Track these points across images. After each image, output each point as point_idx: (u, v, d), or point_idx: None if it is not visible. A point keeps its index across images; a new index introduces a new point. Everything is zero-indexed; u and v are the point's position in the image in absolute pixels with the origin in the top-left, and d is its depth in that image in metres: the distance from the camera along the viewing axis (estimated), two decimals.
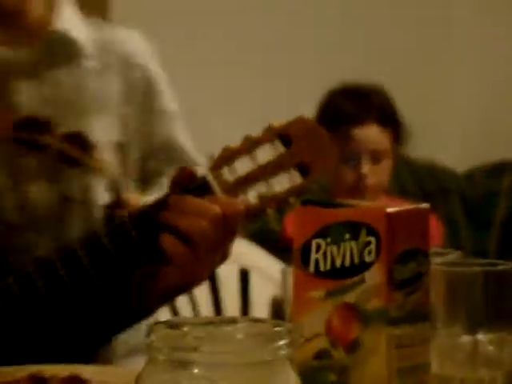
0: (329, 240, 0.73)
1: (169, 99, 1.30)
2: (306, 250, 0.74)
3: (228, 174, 0.97)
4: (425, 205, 0.75)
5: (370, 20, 3.06)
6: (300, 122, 0.98)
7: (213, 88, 2.83)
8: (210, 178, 0.97)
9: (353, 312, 0.72)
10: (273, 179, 0.97)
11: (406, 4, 3.12)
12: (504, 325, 0.75)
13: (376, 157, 2.14)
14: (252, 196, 0.97)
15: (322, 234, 0.73)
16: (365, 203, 0.77)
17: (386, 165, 2.18)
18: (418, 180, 2.85)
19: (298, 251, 0.75)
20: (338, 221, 0.73)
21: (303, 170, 0.97)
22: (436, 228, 2.28)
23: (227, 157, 0.97)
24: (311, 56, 2.99)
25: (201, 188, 0.96)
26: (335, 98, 2.22)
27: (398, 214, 0.72)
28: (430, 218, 2.43)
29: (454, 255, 0.82)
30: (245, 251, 2.09)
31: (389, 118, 2.19)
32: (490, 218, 2.91)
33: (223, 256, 1.02)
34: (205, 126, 2.85)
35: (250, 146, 0.97)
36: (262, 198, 0.97)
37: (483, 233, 2.90)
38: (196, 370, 0.57)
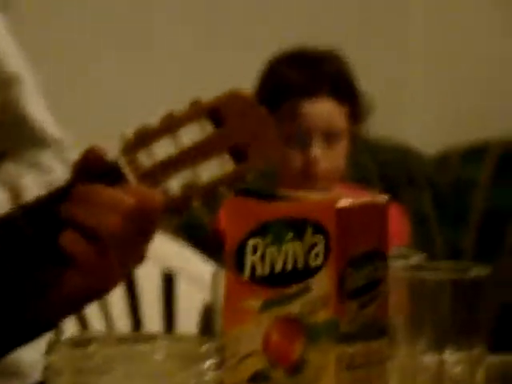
0: (268, 240, 0.76)
1: (11, 62, 1.33)
2: (240, 252, 0.77)
3: (145, 159, 0.98)
4: (383, 197, 0.79)
5: None
6: (233, 96, 1.00)
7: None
8: (123, 162, 0.98)
9: (296, 326, 0.76)
10: (200, 165, 0.99)
11: None
12: (474, 341, 0.79)
13: (329, 137, 2.17)
14: (175, 185, 0.99)
15: (259, 232, 0.77)
16: (313, 195, 0.80)
17: (342, 147, 2.21)
18: (381, 165, 2.91)
19: (231, 253, 0.78)
20: (280, 217, 0.76)
21: (238, 155, 0.99)
22: (400, 223, 2.34)
23: (144, 137, 0.99)
24: (253, 21, 3.07)
25: (111, 175, 0.98)
26: (279, 66, 2.22)
27: (350, 208, 0.75)
28: (394, 211, 2.50)
29: (418, 257, 0.85)
30: (169, 250, 2.13)
31: (345, 91, 2.20)
32: (466, 210, 3.00)
33: (139, 257, 1.04)
34: (122, 103, 2.92)
35: (171, 124, 0.98)
36: (186, 187, 0.99)
37: (457, 228, 2.98)
38: None
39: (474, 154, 3.02)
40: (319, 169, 2.15)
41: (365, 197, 0.80)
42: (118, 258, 1.00)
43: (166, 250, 2.05)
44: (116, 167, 0.98)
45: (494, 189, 2.98)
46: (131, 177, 0.97)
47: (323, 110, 2.16)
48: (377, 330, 0.78)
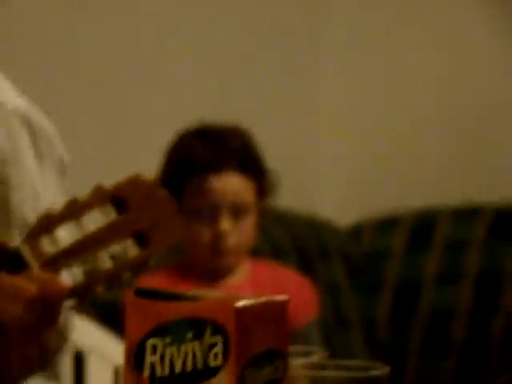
0: (168, 340, 0.74)
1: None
2: (140, 352, 0.75)
3: (48, 245, 0.96)
4: (282, 297, 0.77)
5: (231, 55, 3.19)
6: (135, 182, 0.98)
7: None
8: (25, 249, 0.95)
9: None
10: (104, 250, 0.97)
11: (272, 38, 3.30)
12: None
13: (237, 211, 2.15)
14: (78, 271, 0.97)
15: (159, 332, 0.75)
16: (212, 294, 0.78)
17: (250, 221, 2.19)
18: (294, 237, 2.90)
19: (130, 352, 0.75)
20: (179, 317, 0.74)
21: (141, 240, 0.97)
22: (309, 295, 2.32)
23: (47, 223, 0.97)
24: (160, 94, 3.05)
25: (12, 262, 0.95)
26: (185, 141, 2.19)
27: (249, 308, 0.74)
28: (305, 284, 2.48)
29: (319, 355, 0.84)
30: (79, 329, 2.07)
31: (251, 166, 2.19)
32: (380, 280, 2.99)
33: (42, 348, 1.00)
34: None
35: (75, 210, 0.97)
36: (89, 273, 0.96)
37: (371, 299, 2.97)
38: None
39: (387, 224, 3.02)
40: (228, 243, 2.13)
41: (264, 296, 0.78)
42: (20, 350, 0.96)
43: (77, 329, 1.98)
44: (17, 254, 0.95)
45: (407, 258, 2.98)
46: (33, 263, 0.94)
47: (230, 185, 2.14)
48: None
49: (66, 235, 0.96)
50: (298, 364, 0.79)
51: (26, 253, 0.95)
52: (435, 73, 3.37)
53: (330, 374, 0.79)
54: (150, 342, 0.75)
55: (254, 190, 2.18)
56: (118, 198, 0.97)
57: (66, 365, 2.06)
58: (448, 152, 3.23)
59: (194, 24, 3.12)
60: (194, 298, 0.76)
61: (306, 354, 0.83)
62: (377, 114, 3.35)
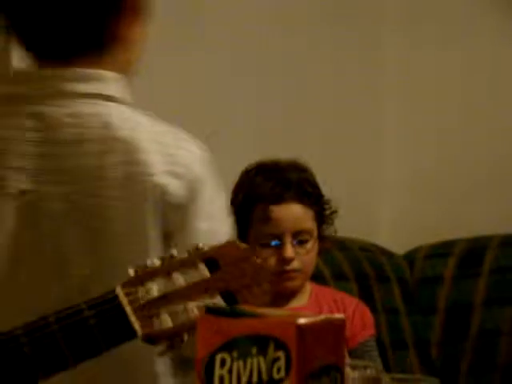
0: (235, 354, 0.74)
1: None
2: (209, 365, 0.75)
3: (143, 293, 0.97)
4: (339, 315, 0.77)
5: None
6: (231, 246, 1.00)
7: None
8: (121, 293, 0.96)
9: None
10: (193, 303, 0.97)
11: (334, 65, 3.26)
12: None
13: (299, 237, 2.16)
14: (167, 319, 0.97)
15: (227, 347, 0.74)
16: (276, 313, 0.77)
17: (312, 246, 2.21)
18: (353, 262, 2.88)
19: (200, 366, 0.75)
20: (245, 333, 0.74)
21: (229, 298, 0.97)
22: (367, 318, 2.30)
23: (144, 274, 0.98)
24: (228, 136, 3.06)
25: (109, 302, 0.96)
26: (250, 176, 2.24)
27: (309, 326, 0.73)
28: (362, 307, 2.45)
29: (374, 369, 0.83)
30: None
31: (309, 195, 2.21)
32: (433, 303, 2.95)
33: None
34: None
35: (171, 265, 0.98)
36: (178, 322, 0.96)
37: (426, 320, 2.93)
38: None
39: (439, 251, 2.97)
40: (292, 267, 2.15)
41: (323, 316, 0.77)
42: None
43: None
44: (115, 298, 0.96)
45: (458, 283, 2.93)
46: (127, 307, 0.95)
47: (291, 213, 2.16)
48: None
49: (159, 286, 0.97)
50: (354, 377, 0.78)
51: (122, 297, 0.96)
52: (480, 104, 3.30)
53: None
54: (219, 356, 0.74)
55: (314, 217, 2.19)
56: (212, 258, 0.98)
57: None
58: (497, 184, 3.16)
59: (259, 63, 3.12)
60: (258, 316, 0.75)
61: (363, 368, 0.82)
62: (438, 144, 3.28)
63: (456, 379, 2.73)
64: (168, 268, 0.97)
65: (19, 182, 1.29)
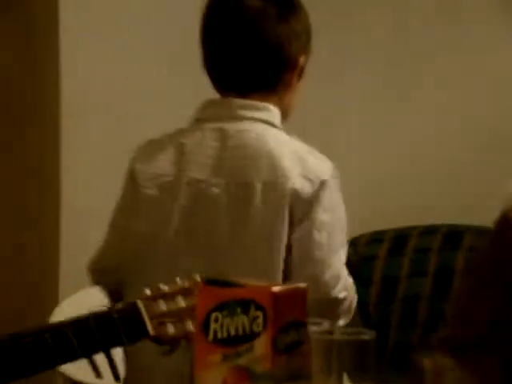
0: (225, 313, 0.73)
1: None
2: (206, 322, 0.74)
3: (161, 306, 0.97)
4: (303, 284, 0.76)
5: None
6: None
7: None
8: (141, 305, 0.96)
9: (244, 373, 0.72)
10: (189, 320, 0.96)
11: None
12: (366, 378, 0.76)
13: None
14: (171, 328, 0.97)
15: (219, 308, 0.74)
16: (255, 283, 0.77)
17: None
18: None
19: (199, 322, 0.75)
20: (233, 298, 0.73)
21: None
22: None
23: (156, 295, 0.98)
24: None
25: (130, 311, 0.97)
26: None
27: (281, 292, 0.73)
28: None
29: (327, 324, 0.82)
30: None
31: None
32: (371, 277, 2.94)
33: None
34: None
35: (175, 291, 0.97)
36: (177, 330, 0.96)
37: (365, 289, 2.92)
38: None
39: (375, 238, 2.97)
40: None
41: (291, 285, 0.77)
42: None
43: None
44: (135, 306, 0.96)
45: (389, 261, 2.92)
46: (145, 315, 0.95)
47: None
48: (302, 374, 0.74)
49: (167, 304, 0.97)
50: (313, 330, 0.78)
51: (142, 307, 0.96)
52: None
53: (334, 337, 0.78)
54: (214, 314, 0.74)
55: None
56: None
57: None
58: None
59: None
60: (243, 286, 0.75)
61: (319, 323, 0.81)
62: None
63: (387, 332, 2.75)
64: (173, 292, 0.97)
65: (198, 174, 1.42)
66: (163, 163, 1.45)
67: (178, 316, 0.94)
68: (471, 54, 2.88)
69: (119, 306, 1.00)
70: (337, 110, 2.80)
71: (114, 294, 1.42)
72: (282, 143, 1.44)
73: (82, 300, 1.43)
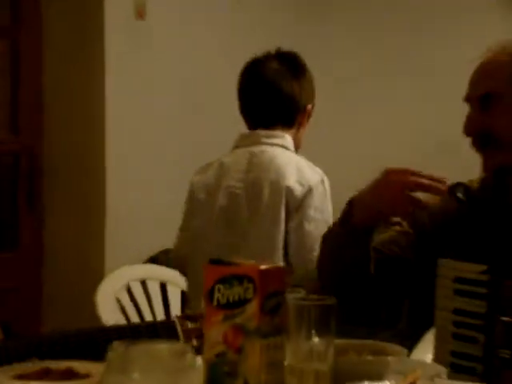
0: (226, 285, 0.97)
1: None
2: (211, 292, 0.98)
3: (186, 325, 1.21)
4: (281, 264, 1.01)
5: None
6: None
7: None
8: (177, 322, 1.20)
9: (239, 329, 0.96)
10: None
11: None
12: (325, 335, 1.01)
13: None
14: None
15: (221, 281, 0.98)
16: (247, 262, 1.01)
17: None
18: None
19: (206, 292, 0.99)
20: (231, 274, 0.97)
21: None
22: None
23: (185, 318, 1.21)
24: None
25: (169, 325, 1.22)
26: None
27: (266, 269, 0.98)
28: None
29: (302, 293, 1.07)
30: None
31: None
32: None
33: None
34: None
35: (198, 316, 1.20)
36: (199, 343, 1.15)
37: None
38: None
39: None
40: None
41: (273, 264, 1.02)
42: None
43: None
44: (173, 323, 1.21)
45: None
46: (180, 331, 1.20)
47: None
48: (280, 330, 0.98)
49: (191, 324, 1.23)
50: (289, 297, 1.02)
51: (177, 323, 1.19)
52: None
53: (305, 302, 1.02)
54: (217, 286, 0.97)
55: None
56: None
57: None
58: None
59: None
60: (239, 264, 0.99)
61: (295, 292, 1.07)
62: None
63: None
64: (198, 316, 1.20)
65: (231, 182, 2.07)
66: (210, 176, 2.10)
67: (199, 333, 1.18)
68: (423, 79, 3.22)
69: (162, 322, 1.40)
70: None
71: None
72: (289, 159, 2.07)
73: (121, 275, 1.91)
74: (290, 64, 2.10)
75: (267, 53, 2.12)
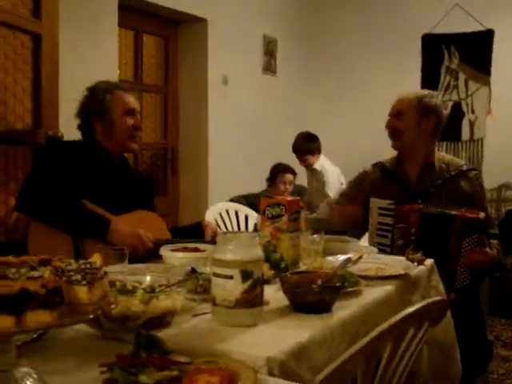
0: (271, 208, 1.93)
1: None
2: (264, 211, 1.94)
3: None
4: (298, 197, 2.00)
5: None
6: None
7: None
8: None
9: (278, 229, 1.93)
10: None
11: None
12: (318, 232, 2.03)
13: None
14: None
15: (269, 206, 1.93)
16: (281, 197, 1.98)
17: None
18: None
19: (261, 211, 1.95)
20: (273, 202, 1.93)
21: None
22: None
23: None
24: None
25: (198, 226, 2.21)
26: None
27: (290, 200, 1.95)
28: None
29: (307, 213, 2.07)
30: None
31: None
32: None
33: None
34: None
35: None
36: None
37: None
38: None
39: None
40: None
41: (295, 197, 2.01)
42: None
43: None
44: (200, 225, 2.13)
45: None
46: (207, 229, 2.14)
47: None
48: (298, 229, 1.98)
49: None
50: (303, 214, 2.00)
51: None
52: None
53: (309, 216, 2.01)
54: (267, 209, 1.93)
55: None
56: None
57: None
58: None
59: None
60: (281, 198, 1.97)
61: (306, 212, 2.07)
62: None
63: None
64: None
65: None
66: None
67: None
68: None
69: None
70: None
71: None
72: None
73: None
74: None
75: None
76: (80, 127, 2.37)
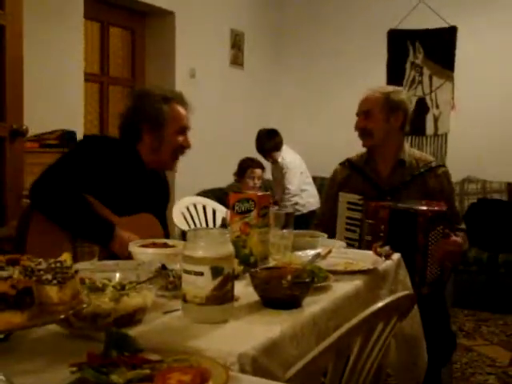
0: (240, 203, 1.93)
1: None
2: (233, 207, 1.95)
3: None
4: (267, 193, 2.01)
5: None
6: None
7: None
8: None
9: (248, 225, 1.93)
10: None
11: None
12: (288, 228, 2.03)
13: None
14: None
15: (238, 201, 1.94)
16: (251, 192, 1.98)
17: None
18: None
19: (231, 206, 1.95)
20: (243, 197, 1.94)
21: None
22: None
23: None
24: None
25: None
26: None
27: (260, 196, 1.96)
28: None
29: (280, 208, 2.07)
30: None
31: None
32: None
33: None
34: None
35: None
36: None
37: None
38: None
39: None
40: None
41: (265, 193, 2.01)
42: None
43: None
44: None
45: None
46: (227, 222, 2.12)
47: None
48: (267, 225, 1.99)
49: None
50: (272, 210, 2.00)
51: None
52: None
53: (278, 211, 2.02)
54: (236, 203, 1.94)
55: None
56: None
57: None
58: None
59: None
60: (246, 192, 1.97)
61: (280, 208, 2.07)
62: None
63: None
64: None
65: None
66: None
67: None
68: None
69: None
70: None
71: None
72: None
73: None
74: None
75: None
76: (124, 129, 2.20)
